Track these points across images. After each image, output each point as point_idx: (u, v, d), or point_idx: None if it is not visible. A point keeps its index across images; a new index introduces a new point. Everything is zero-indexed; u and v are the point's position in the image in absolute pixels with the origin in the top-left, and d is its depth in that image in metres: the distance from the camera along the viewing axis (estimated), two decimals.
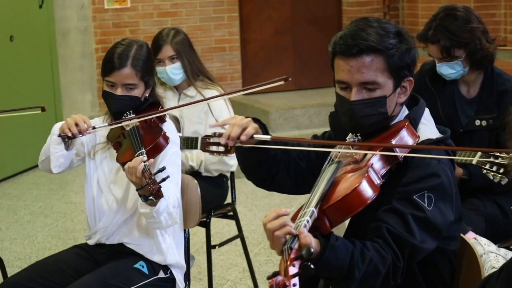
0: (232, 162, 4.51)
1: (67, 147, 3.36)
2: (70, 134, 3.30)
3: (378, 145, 2.51)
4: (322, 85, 8.83)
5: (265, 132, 2.65)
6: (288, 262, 2.10)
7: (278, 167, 2.77)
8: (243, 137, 2.56)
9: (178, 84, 4.59)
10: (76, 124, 3.30)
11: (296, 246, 2.15)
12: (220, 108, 4.50)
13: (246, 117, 2.64)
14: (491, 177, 3.55)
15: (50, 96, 8.02)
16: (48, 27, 8.01)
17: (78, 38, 8.30)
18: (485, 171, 3.57)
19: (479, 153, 3.62)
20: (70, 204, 6.69)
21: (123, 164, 3.20)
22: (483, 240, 3.26)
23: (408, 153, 2.48)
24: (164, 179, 3.04)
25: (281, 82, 2.87)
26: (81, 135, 3.32)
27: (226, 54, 8.67)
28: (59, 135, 3.32)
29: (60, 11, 8.21)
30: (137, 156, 3.15)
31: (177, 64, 4.53)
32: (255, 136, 2.59)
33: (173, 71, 4.52)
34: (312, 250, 2.14)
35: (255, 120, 2.67)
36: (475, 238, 3.27)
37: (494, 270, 3.03)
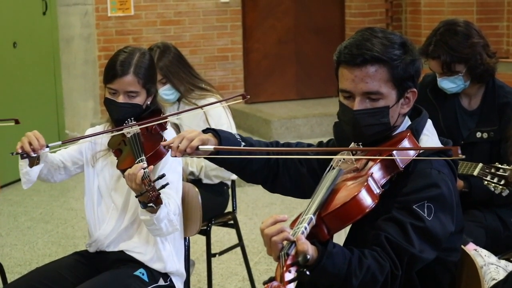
0: None
1: (31, 164, 3.33)
2: (20, 151, 3.25)
3: (378, 149, 2.52)
4: (324, 95, 8.84)
5: (219, 142, 2.73)
6: (284, 268, 2.11)
7: (277, 169, 2.82)
8: (188, 150, 2.67)
9: (175, 100, 4.59)
10: (30, 143, 3.26)
11: (293, 252, 2.16)
12: (219, 116, 4.50)
13: (204, 130, 2.77)
14: (492, 189, 3.56)
15: (52, 103, 8.03)
16: (52, 34, 8.03)
17: (81, 45, 8.31)
18: (486, 182, 3.57)
19: (480, 165, 3.63)
20: (70, 210, 6.70)
21: (123, 171, 3.21)
22: (484, 252, 3.27)
23: (409, 160, 2.50)
24: (163, 186, 3.04)
25: (239, 100, 3.15)
26: (35, 154, 3.26)
27: (228, 63, 8.68)
28: (14, 153, 3.28)
29: (63, 18, 8.23)
30: (137, 163, 3.15)
31: (168, 86, 4.52)
32: (200, 147, 2.68)
33: (165, 92, 4.51)
34: (308, 257, 2.15)
35: (214, 131, 2.76)
36: (475, 250, 3.27)
37: (494, 281, 3.04)
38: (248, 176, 2.86)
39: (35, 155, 3.26)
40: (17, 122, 3.48)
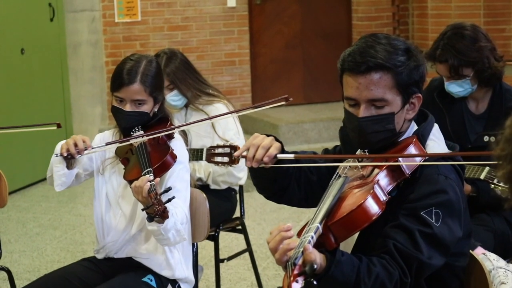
0: (240, 174, 4.51)
1: (69, 166, 3.36)
2: (65, 154, 3.28)
3: (386, 156, 2.52)
4: (332, 99, 8.84)
5: (282, 148, 2.64)
6: (292, 278, 2.11)
7: (290, 180, 2.77)
8: (265, 159, 2.58)
9: (182, 106, 4.59)
10: (76, 145, 3.29)
11: (300, 262, 2.16)
12: (227, 121, 4.49)
13: (268, 135, 2.65)
14: (499, 192, 3.55)
15: (60, 109, 8.05)
16: (59, 40, 8.05)
17: (88, 51, 8.33)
18: (493, 185, 3.57)
19: (487, 168, 3.63)
20: (79, 216, 6.71)
21: (130, 182, 3.21)
22: (492, 256, 3.26)
23: (415, 166, 2.49)
24: (169, 200, 3.02)
25: (283, 102, 2.94)
26: (79, 155, 3.30)
27: (235, 67, 8.69)
28: (58, 155, 3.32)
29: (71, 24, 8.25)
30: (143, 174, 3.15)
31: (175, 92, 4.51)
32: (278, 156, 2.59)
33: (173, 98, 4.50)
34: (315, 266, 2.14)
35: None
36: (484, 254, 3.27)
37: (503, 285, 3.03)
38: (272, 188, 2.77)
39: (80, 156, 3.30)
40: (59, 126, 3.52)
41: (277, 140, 2.66)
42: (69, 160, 3.32)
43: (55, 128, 3.54)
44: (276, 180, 2.73)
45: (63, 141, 3.35)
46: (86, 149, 3.30)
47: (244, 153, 2.62)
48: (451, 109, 3.99)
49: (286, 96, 2.96)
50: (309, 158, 2.69)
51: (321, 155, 2.80)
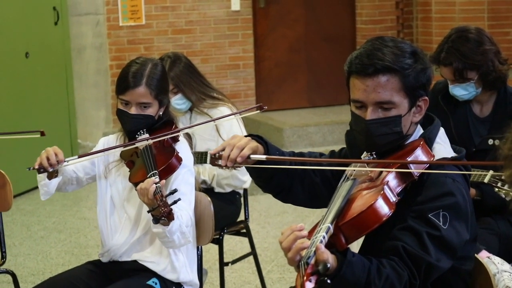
0: (244, 177, 4.52)
1: (49, 177, 3.36)
2: (37, 167, 3.27)
3: (392, 162, 2.52)
4: (336, 103, 8.83)
5: (267, 148, 2.70)
6: (305, 277, 2.11)
7: (292, 180, 2.79)
8: (238, 159, 2.63)
9: (187, 110, 4.59)
10: (48, 158, 3.28)
11: (312, 261, 2.16)
12: (231, 125, 4.50)
13: (247, 135, 2.70)
14: (503, 195, 3.55)
15: (64, 112, 8.06)
16: (63, 43, 8.06)
17: (93, 55, 8.34)
18: (497, 189, 3.57)
19: (490, 171, 3.62)
20: (83, 220, 6.71)
21: (135, 184, 3.21)
22: (497, 259, 3.25)
23: (423, 170, 2.49)
24: (175, 202, 3.03)
25: (257, 111, 3.12)
26: (52, 168, 3.28)
27: (240, 71, 8.69)
28: (31, 168, 3.31)
29: (75, 28, 8.26)
30: (149, 177, 3.16)
31: (179, 95, 4.51)
32: (251, 156, 2.64)
33: (177, 102, 4.50)
34: (328, 265, 2.15)
35: (258, 137, 2.72)
36: (488, 257, 3.27)
37: None
38: (271, 186, 2.82)
39: (52, 169, 3.28)
40: (42, 134, 3.50)
41: (262, 140, 2.71)
42: (46, 172, 3.32)
43: (38, 136, 3.52)
44: (272, 179, 2.77)
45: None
46: (58, 163, 3.29)
47: (221, 153, 2.67)
48: (456, 112, 3.99)
49: (260, 104, 3.13)
50: (280, 159, 2.73)
51: (305, 158, 2.82)
